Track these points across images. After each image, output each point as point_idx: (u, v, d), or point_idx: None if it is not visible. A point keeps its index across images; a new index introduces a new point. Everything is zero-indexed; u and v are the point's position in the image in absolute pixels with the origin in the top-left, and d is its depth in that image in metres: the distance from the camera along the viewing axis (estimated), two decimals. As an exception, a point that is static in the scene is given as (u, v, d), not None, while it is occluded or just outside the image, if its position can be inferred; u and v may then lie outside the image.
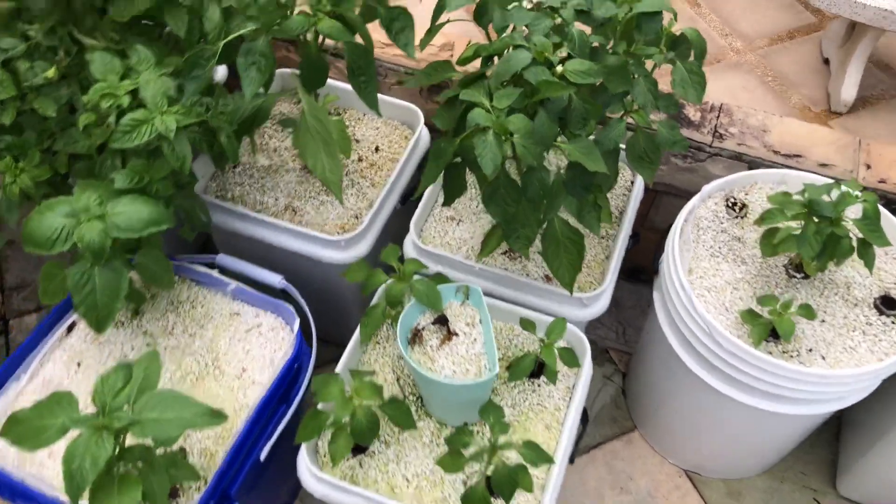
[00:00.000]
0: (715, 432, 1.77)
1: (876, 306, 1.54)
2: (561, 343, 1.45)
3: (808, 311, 1.44)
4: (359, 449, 1.41)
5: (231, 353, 1.49)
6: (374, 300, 1.49)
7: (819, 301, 1.54)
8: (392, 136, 1.87)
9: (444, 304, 1.42)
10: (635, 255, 1.94)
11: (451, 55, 1.99)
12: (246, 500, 1.41)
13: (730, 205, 1.67)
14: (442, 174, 1.41)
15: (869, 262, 1.43)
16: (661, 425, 1.92)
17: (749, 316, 1.47)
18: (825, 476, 1.95)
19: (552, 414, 1.48)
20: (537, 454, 1.25)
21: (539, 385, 1.51)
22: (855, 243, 1.42)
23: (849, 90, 2.71)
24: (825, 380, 1.42)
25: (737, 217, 1.66)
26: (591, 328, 2.15)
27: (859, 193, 1.41)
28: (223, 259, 1.66)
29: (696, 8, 3.21)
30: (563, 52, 1.33)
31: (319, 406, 1.31)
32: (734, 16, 3.19)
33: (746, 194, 1.69)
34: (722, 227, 1.65)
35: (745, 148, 1.78)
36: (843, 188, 1.42)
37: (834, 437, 2.01)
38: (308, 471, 1.36)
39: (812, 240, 1.39)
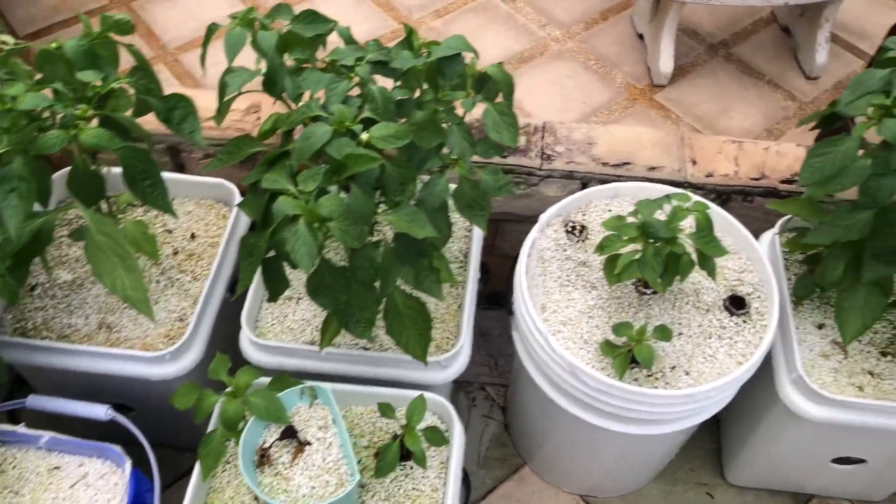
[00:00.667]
0: (600, 459, 1.73)
1: (726, 308, 1.53)
2: (425, 423, 1.35)
3: (663, 333, 1.41)
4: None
5: (57, 516, 1.29)
6: (211, 425, 1.33)
7: (673, 314, 1.52)
8: (208, 217, 1.70)
9: (290, 410, 1.29)
10: (490, 282, 1.87)
11: (259, 117, 1.84)
12: None
13: (569, 229, 1.62)
14: (260, 270, 1.27)
15: (711, 272, 1.41)
16: (547, 458, 1.86)
17: (608, 348, 1.42)
18: (714, 467, 1.97)
19: (430, 497, 1.38)
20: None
21: (412, 468, 1.41)
22: (695, 257, 1.40)
23: (665, 62, 2.77)
24: (692, 398, 1.40)
25: (578, 241, 1.61)
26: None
27: (689, 205, 1.40)
28: (35, 401, 1.45)
29: (512, 3, 3.20)
30: (364, 114, 1.22)
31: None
32: (548, 5, 3.21)
33: (584, 215, 1.65)
34: (566, 255, 1.60)
35: (575, 165, 1.75)
36: (674, 202, 1.40)
37: (716, 427, 2.03)
38: None
39: (652, 262, 1.35)
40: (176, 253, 1.63)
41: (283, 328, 1.55)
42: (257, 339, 1.48)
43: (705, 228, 1.38)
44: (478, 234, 1.69)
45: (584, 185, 1.76)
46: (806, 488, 1.89)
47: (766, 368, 1.59)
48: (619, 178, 1.72)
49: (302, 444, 1.26)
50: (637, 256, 1.38)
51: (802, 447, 1.68)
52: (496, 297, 2.13)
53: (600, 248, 1.41)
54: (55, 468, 1.34)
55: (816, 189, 1.27)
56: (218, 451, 1.26)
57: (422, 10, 3.16)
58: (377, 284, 1.26)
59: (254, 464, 1.24)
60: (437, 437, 1.35)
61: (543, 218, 1.60)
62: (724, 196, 1.73)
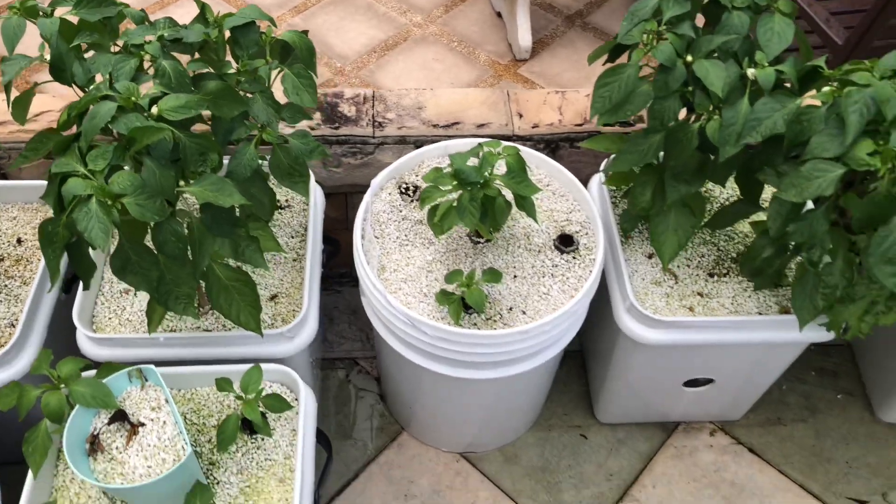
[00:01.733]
0: (470, 412, 1.77)
1: (556, 247, 1.59)
2: (269, 390, 1.35)
3: (493, 276, 1.46)
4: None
5: None
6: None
7: (507, 258, 1.57)
8: (35, 221, 1.66)
9: (121, 395, 1.27)
10: (347, 259, 1.88)
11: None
12: None
13: (402, 190, 1.65)
14: (66, 258, 1.25)
15: (531, 212, 1.46)
16: (421, 420, 1.89)
17: (442, 297, 1.46)
18: (585, 409, 2.04)
19: (283, 464, 1.38)
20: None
21: (263, 439, 1.41)
22: (511, 198, 1.45)
23: (524, 37, 2.84)
24: (527, 335, 1.45)
25: (412, 201, 1.65)
26: (336, 344, 2.09)
27: (500, 150, 1.44)
28: None
29: (372, -9, 3.22)
30: (155, 90, 1.21)
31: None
32: (408, -10, 3.24)
33: (417, 175, 1.69)
34: (402, 216, 1.63)
35: (406, 130, 1.78)
36: (485, 149, 1.45)
37: (582, 369, 2.10)
38: None
39: (469, 208, 1.39)
40: (2, 260, 1.59)
41: (121, 321, 1.53)
42: (93, 335, 1.46)
43: (516, 170, 1.43)
44: (316, 204, 1.70)
45: (418, 149, 1.79)
46: (669, 416, 1.98)
47: (606, 303, 1.66)
48: (450, 138, 1.76)
49: (135, 427, 1.24)
50: (455, 204, 1.41)
51: (652, 374, 1.76)
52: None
53: (421, 202, 1.44)
54: None
55: (608, 117, 1.33)
56: (44, 445, 1.23)
57: (280, 7, 3.15)
58: (192, 259, 1.26)
59: (85, 452, 1.22)
60: (279, 403, 1.35)
61: (375, 182, 1.63)
62: (553, 144, 1.79)
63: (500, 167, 1.48)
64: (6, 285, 1.55)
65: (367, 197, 1.61)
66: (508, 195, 1.49)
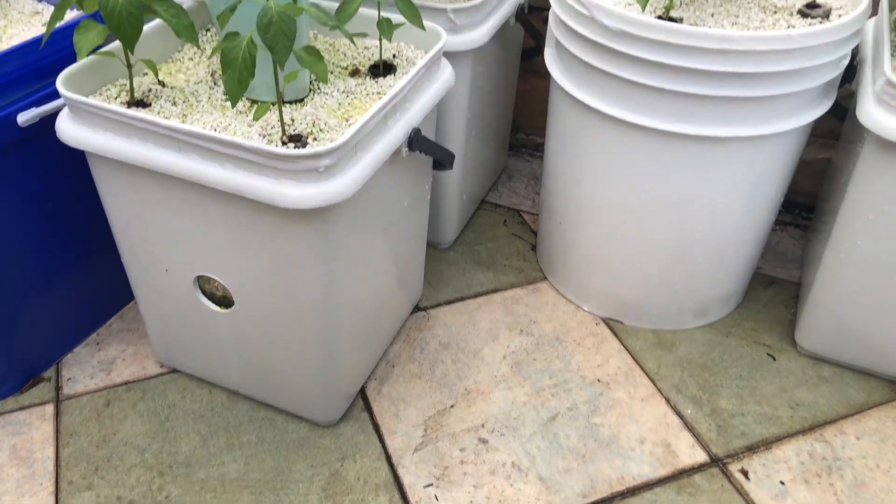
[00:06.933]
0: (632, 257, 1.40)
1: (800, 12, 1.26)
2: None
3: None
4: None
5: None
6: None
7: (731, 7, 1.28)
8: None
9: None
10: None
11: None
12: None
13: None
14: None
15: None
16: (572, 261, 1.55)
17: (637, -11, 1.20)
18: (781, 334, 1.54)
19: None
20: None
21: (384, 79, 1.22)
22: None
23: None
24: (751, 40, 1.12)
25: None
26: (506, 196, 1.86)
27: None
28: None
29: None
30: None
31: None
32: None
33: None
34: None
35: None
36: None
37: (790, 300, 1.62)
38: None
39: None
40: None
41: None
42: None
43: None
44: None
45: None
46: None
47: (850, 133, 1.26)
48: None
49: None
50: None
51: None
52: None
53: None
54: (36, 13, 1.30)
55: None
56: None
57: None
58: None
59: None
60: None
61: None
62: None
63: None
64: None
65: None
66: None
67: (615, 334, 1.53)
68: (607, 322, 1.55)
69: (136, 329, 1.50)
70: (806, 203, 1.77)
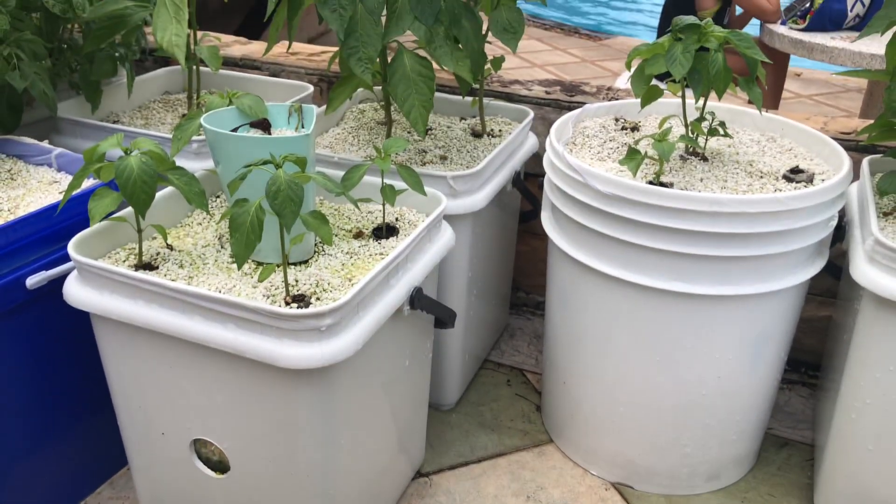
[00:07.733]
0: (641, 415, 1.38)
1: (785, 177, 1.32)
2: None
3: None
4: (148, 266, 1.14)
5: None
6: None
7: (723, 180, 1.34)
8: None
9: (275, 129, 1.26)
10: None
11: None
12: None
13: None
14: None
15: (755, 98, 1.26)
16: (579, 427, 1.51)
17: (627, 159, 1.26)
18: (800, 499, 1.47)
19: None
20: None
21: (386, 240, 1.26)
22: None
23: None
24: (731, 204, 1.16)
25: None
26: (508, 354, 1.86)
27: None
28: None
29: None
30: None
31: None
32: None
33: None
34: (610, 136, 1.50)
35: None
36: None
37: (805, 462, 1.56)
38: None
39: (681, 58, 1.25)
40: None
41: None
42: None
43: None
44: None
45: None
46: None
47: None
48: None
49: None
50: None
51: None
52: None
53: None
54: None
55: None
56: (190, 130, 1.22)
57: None
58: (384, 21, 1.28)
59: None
60: (412, 177, 1.21)
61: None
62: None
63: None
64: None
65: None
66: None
67: (626, 501, 1.46)
68: (617, 487, 1.49)
69: (126, 497, 1.44)
70: (811, 361, 1.76)
